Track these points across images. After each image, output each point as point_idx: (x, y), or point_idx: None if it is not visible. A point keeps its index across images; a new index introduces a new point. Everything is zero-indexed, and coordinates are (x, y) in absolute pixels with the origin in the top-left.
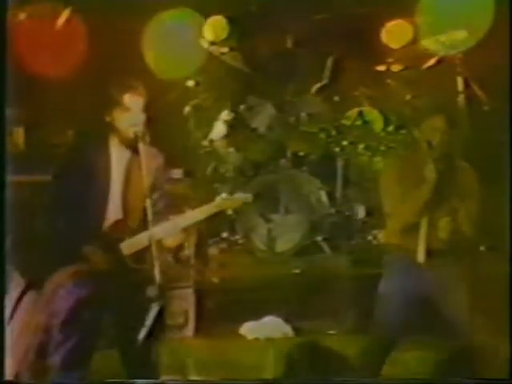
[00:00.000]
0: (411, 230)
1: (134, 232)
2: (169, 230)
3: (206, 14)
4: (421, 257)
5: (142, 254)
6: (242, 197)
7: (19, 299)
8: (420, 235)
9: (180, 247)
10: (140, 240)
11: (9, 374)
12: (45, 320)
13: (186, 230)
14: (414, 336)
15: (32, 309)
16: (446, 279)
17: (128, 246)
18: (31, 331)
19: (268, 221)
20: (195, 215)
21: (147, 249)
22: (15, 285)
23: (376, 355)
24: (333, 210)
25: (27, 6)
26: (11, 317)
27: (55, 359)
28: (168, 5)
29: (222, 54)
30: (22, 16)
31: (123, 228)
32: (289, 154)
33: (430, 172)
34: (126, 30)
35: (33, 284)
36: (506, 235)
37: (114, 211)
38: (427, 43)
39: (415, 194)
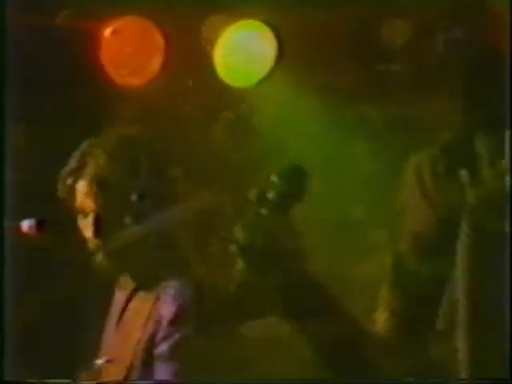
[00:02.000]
0: None
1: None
2: (154, 228)
3: (272, 25)
4: None
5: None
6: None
7: (129, 299)
8: None
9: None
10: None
11: (122, 369)
12: (154, 315)
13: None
14: None
15: (141, 307)
16: None
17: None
18: (140, 327)
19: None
20: (176, 214)
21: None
22: (124, 286)
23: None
24: (332, 210)
25: (113, 21)
26: (120, 316)
27: (162, 349)
28: (239, 16)
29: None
30: (108, 31)
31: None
32: (289, 153)
33: None
34: (199, 41)
35: (143, 286)
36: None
37: None
38: None
39: None
